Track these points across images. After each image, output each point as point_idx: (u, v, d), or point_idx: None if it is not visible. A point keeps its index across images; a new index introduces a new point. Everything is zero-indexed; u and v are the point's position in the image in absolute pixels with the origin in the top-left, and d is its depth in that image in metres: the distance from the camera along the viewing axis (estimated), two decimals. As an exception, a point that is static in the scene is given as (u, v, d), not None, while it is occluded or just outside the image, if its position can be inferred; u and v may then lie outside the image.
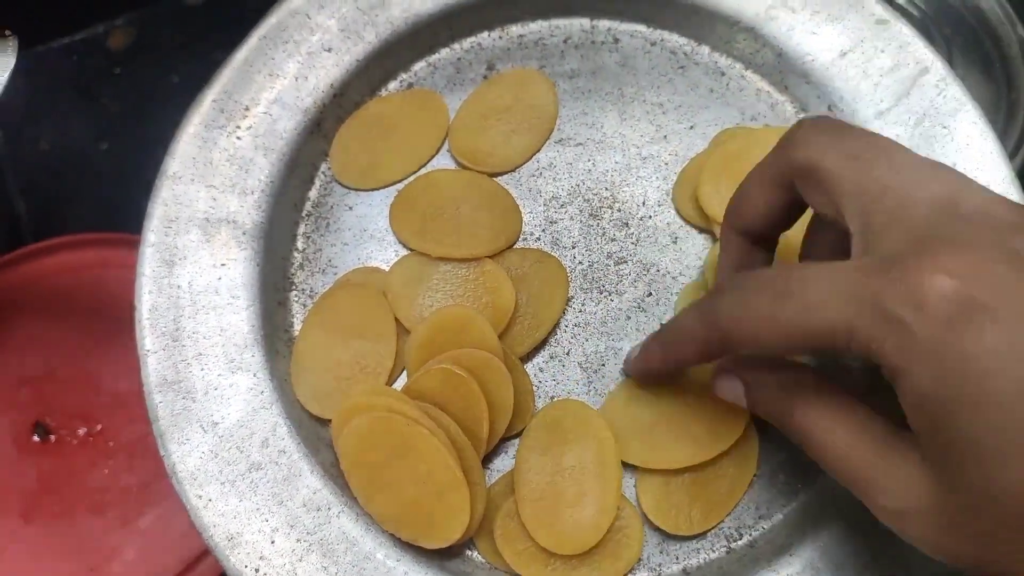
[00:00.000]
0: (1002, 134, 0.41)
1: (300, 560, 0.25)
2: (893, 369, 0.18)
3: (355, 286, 0.29)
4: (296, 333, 0.29)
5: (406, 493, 0.25)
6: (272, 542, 0.25)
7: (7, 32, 0.26)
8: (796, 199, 0.22)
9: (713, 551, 0.26)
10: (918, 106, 0.30)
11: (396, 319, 0.28)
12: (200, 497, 0.25)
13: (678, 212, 0.30)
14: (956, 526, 0.18)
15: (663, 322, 0.29)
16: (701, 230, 0.30)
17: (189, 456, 0.26)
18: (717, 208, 0.28)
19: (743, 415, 0.26)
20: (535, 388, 0.28)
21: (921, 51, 0.30)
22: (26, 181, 0.46)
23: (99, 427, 0.38)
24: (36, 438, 0.38)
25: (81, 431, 0.38)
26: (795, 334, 0.19)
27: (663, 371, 0.26)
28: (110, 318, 0.40)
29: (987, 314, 0.17)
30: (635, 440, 0.26)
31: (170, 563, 0.36)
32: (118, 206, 0.45)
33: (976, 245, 0.18)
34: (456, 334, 0.27)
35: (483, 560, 0.26)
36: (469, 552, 0.26)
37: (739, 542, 0.27)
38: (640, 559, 0.26)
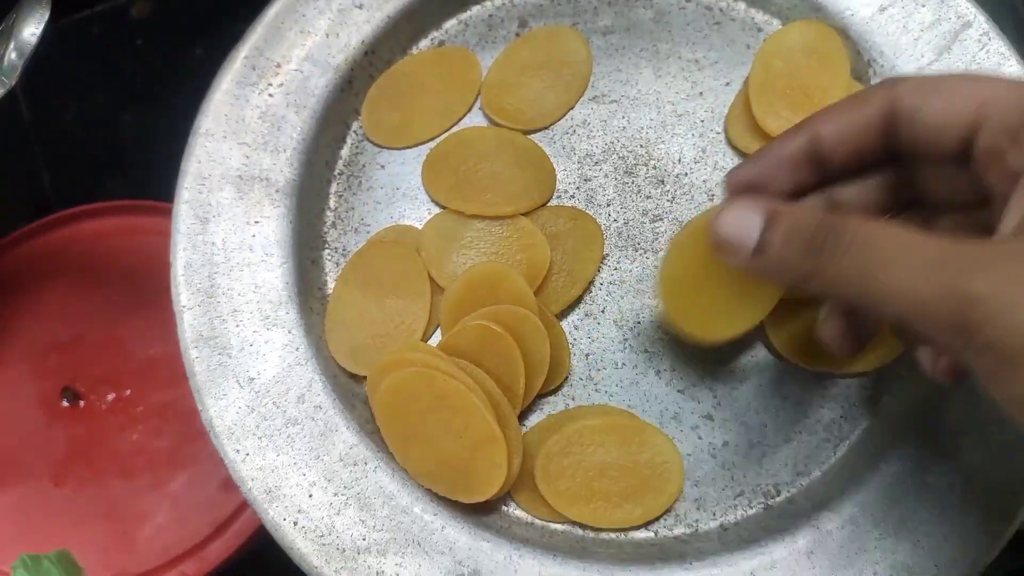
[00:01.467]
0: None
1: (338, 514, 0.25)
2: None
3: (389, 244, 0.29)
4: (329, 291, 0.28)
5: (442, 448, 0.25)
6: (310, 496, 0.25)
7: (40, -17, 0.26)
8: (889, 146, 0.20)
9: (751, 508, 0.26)
10: (960, 61, 0.29)
11: (430, 277, 0.28)
12: (238, 451, 0.25)
13: (735, 147, 0.30)
14: None
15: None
16: None
17: (226, 411, 0.25)
18: (776, 125, 0.28)
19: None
20: (571, 345, 0.28)
21: (963, 5, 0.30)
22: (51, 152, 0.46)
23: (128, 392, 0.39)
24: (65, 403, 0.38)
25: (110, 396, 0.39)
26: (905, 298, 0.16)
27: (786, 160, 0.22)
28: (138, 284, 0.40)
29: None
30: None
31: (200, 526, 0.36)
32: (143, 176, 0.45)
33: None
34: (491, 291, 0.27)
35: (520, 515, 0.26)
36: (506, 507, 0.26)
37: (777, 499, 0.26)
38: (678, 514, 0.26)
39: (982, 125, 0.19)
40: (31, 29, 0.24)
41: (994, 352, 0.15)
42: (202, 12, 0.48)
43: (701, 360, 0.28)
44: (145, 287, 0.40)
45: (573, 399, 0.27)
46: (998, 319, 0.15)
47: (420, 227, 0.29)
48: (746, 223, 0.19)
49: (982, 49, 0.29)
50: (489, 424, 0.24)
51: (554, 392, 0.27)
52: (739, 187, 0.22)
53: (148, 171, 0.44)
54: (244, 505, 0.36)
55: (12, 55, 0.24)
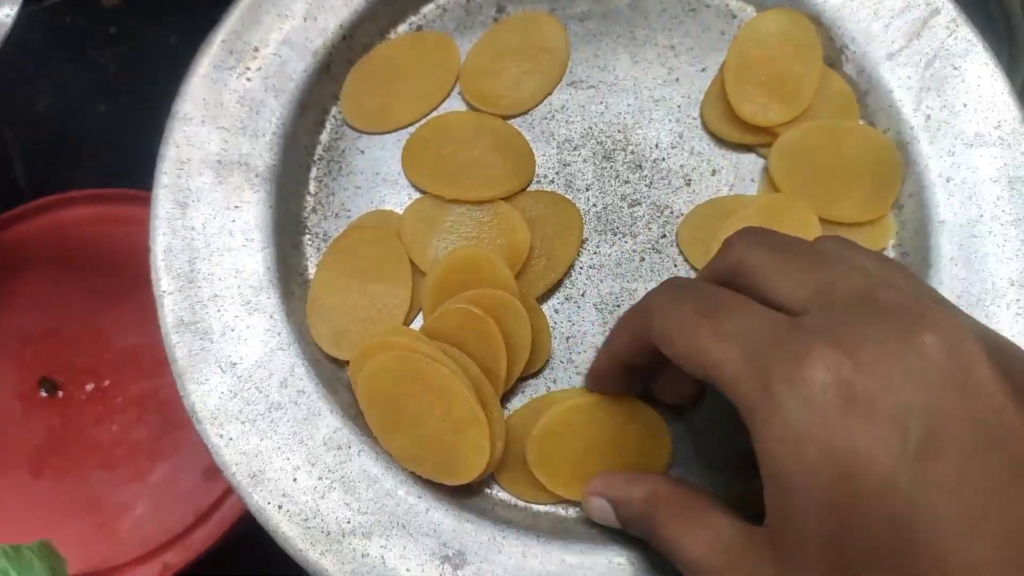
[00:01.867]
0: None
1: (322, 497, 0.25)
2: (757, 444, 0.18)
3: (369, 229, 0.29)
4: (310, 276, 0.28)
5: (425, 431, 0.25)
6: (294, 480, 0.25)
7: (16, -33, 0.25)
8: None
9: (730, 485, 0.27)
10: (929, 47, 0.30)
11: (411, 261, 0.28)
12: (221, 436, 0.25)
13: (710, 132, 0.30)
14: None
15: (677, 264, 0.29)
16: (736, 147, 0.30)
17: (209, 396, 0.25)
18: (750, 111, 0.29)
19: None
20: (551, 328, 0.28)
21: (932, -8, 0.30)
22: (24, 143, 0.45)
23: (107, 383, 0.38)
24: (43, 394, 0.38)
25: (89, 387, 0.38)
26: (700, 360, 0.19)
27: (606, 368, 0.25)
28: (114, 274, 0.40)
29: (866, 410, 0.16)
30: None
31: (182, 515, 0.36)
32: (117, 166, 0.44)
33: (880, 335, 0.17)
34: (472, 274, 0.27)
35: (503, 497, 0.26)
36: (489, 490, 0.27)
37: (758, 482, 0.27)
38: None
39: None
40: (5, 10, 0.24)
41: None
42: (174, 0, 0.48)
43: (680, 341, 0.28)
44: (122, 276, 0.40)
45: (555, 382, 0.28)
46: None
47: (401, 212, 0.29)
48: (605, 511, 0.24)
49: (950, 36, 0.30)
50: (472, 407, 0.25)
51: (535, 375, 0.28)
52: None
53: (123, 160, 0.44)
54: (226, 494, 0.36)
55: (-14, 38, 0.24)
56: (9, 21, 0.24)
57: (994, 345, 0.18)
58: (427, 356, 0.25)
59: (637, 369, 0.24)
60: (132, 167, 0.43)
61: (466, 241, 0.28)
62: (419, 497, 0.25)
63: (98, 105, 0.46)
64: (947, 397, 0.16)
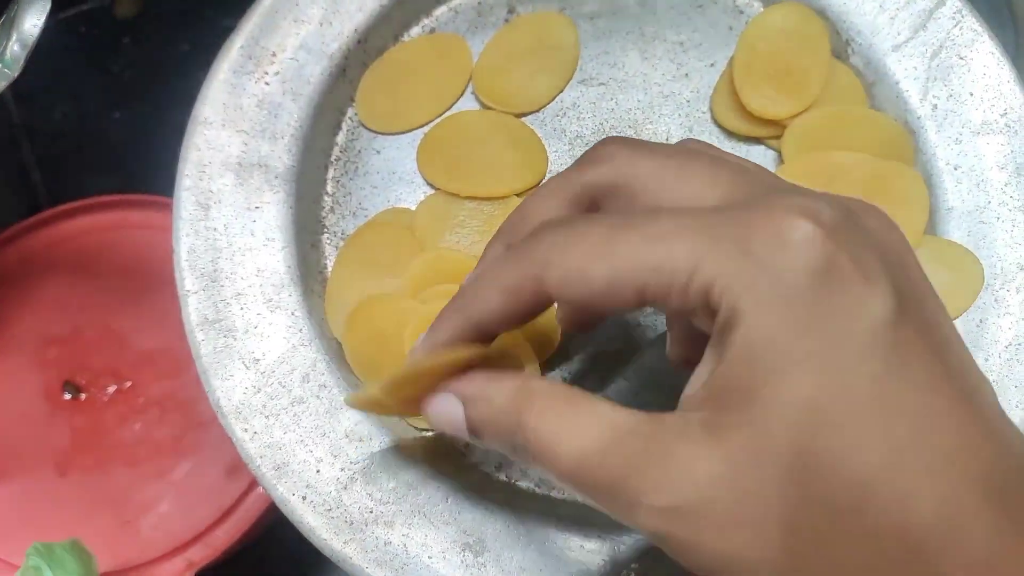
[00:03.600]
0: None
1: (345, 488, 0.25)
2: (733, 311, 0.16)
3: (381, 225, 0.29)
4: (329, 274, 0.29)
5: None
6: (317, 471, 0.25)
7: (40, -25, 0.26)
8: None
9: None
10: (935, 38, 0.30)
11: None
12: (246, 430, 0.26)
13: (720, 126, 0.31)
14: (749, 517, 0.16)
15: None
16: (745, 140, 0.31)
17: (233, 391, 0.26)
18: (759, 105, 0.29)
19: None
20: (565, 321, 0.29)
21: (936, -16, 0.31)
22: (41, 151, 0.46)
23: (128, 384, 0.39)
24: (67, 396, 0.39)
25: (111, 388, 0.39)
26: (628, 269, 0.17)
27: (451, 341, 0.21)
28: (133, 278, 0.40)
29: (855, 267, 0.16)
30: None
31: (204, 514, 0.37)
32: (133, 174, 0.45)
33: (828, 202, 0.17)
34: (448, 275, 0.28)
35: (523, 485, 0.27)
36: (508, 479, 0.27)
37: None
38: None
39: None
40: (33, 20, 0.24)
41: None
42: (187, 9, 0.48)
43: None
44: (140, 281, 0.41)
45: (569, 373, 0.28)
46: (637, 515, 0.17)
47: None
48: (451, 413, 0.20)
49: (956, 26, 0.30)
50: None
51: (547, 364, 0.28)
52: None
53: (139, 167, 0.45)
54: (248, 491, 0.36)
55: (15, 47, 0.24)
56: (36, 31, 0.24)
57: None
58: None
59: (490, 337, 0.21)
60: (147, 173, 0.44)
61: (478, 236, 0.29)
62: (439, 487, 0.26)
63: (113, 113, 0.47)
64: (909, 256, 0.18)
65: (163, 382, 0.39)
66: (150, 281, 0.40)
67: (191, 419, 0.38)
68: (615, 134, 0.31)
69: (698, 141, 0.21)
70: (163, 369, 0.39)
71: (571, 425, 0.17)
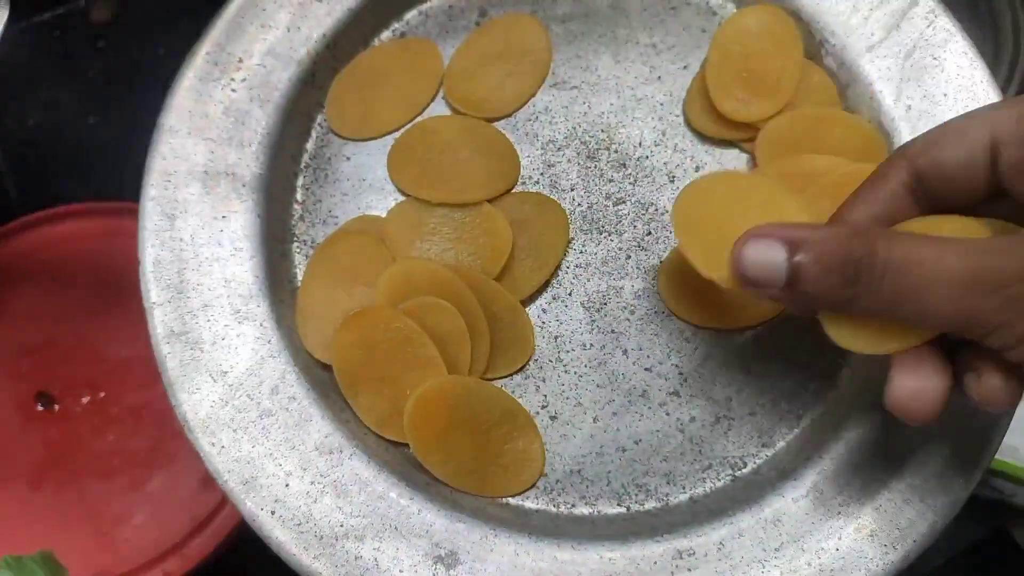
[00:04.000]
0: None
1: (315, 502, 0.25)
2: None
3: (352, 233, 0.29)
4: (299, 283, 0.29)
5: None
6: (287, 485, 0.25)
7: (-4, -16, 0.26)
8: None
9: (718, 480, 0.27)
10: (908, 38, 0.30)
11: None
12: (213, 444, 0.25)
13: (694, 129, 0.30)
14: None
15: (662, 261, 0.29)
16: (719, 143, 0.30)
17: (200, 405, 0.26)
18: (732, 107, 0.29)
19: None
20: (539, 328, 0.28)
21: (910, -16, 0.31)
22: (14, 158, 0.46)
23: (103, 394, 0.39)
24: (40, 407, 0.38)
25: (85, 399, 0.39)
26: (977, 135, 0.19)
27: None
28: (109, 286, 0.40)
29: None
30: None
31: (179, 525, 0.36)
32: (107, 179, 0.44)
33: None
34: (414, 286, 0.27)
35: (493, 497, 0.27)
36: (474, 497, 0.27)
37: (743, 470, 0.27)
38: (649, 488, 0.27)
39: (1000, 153, 0.20)
40: (-10, 29, 0.24)
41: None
42: (162, 13, 0.48)
43: (667, 338, 0.28)
44: (115, 289, 0.40)
45: (543, 380, 0.28)
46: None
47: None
48: (771, 256, 0.19)
49: (929, 26, 0.30)
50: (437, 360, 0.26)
51: (521, 371, 0.28)
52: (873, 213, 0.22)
53: (114, 173, 0.44)
54: (224, 502, 0.36)
55: (-30, 58, 0.24)
56: (-7, 38, 0.24)
57: None
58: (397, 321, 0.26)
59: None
60: (123, 179, 0.44)
61: (449, 243, 0.28)
62: (411, 499, 0.25)
63: (87, 118, 0.47)
64: None
65: (138, 392, 0.39)
66: (124, 289, 0.40)
67: (166, 429, 0.38)
68: (587, 138, 0.30)
69: None
70: (138, 379, 0.39)
71: (925, 273, 0.17)
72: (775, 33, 0.30)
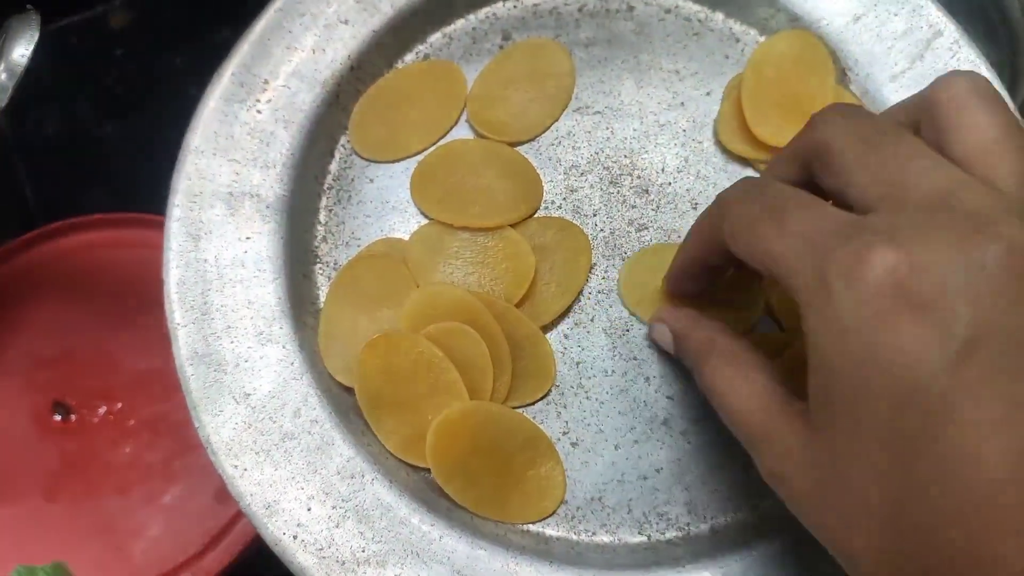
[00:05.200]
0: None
1: (337, 526, 0.25)
2: (808, 332, 0.18)
3: (373, 257, 0.29)
4: (322, 305, 0.29)
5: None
6: (308, 509, 0.25)
7: (29, 6, 0.26)
8: (815, 180, 0.22)
9: (739, 510, 0.27)
10: (932, 69, 0.30)
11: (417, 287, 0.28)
12: (236, 467, 0.25)
13: (725, 149, 0.30)
14: (823, 499, 0.19)
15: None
16: (741, 169, 0.30)
17: (223, 427, 0.26)
18: (767, 132, 0.29)
19: None
20: (561, 353, 0.28)
21: (934, 14, 0.31)
22: (33, 165, 0.46)
23: (119, 406, 0.39)
24: (57, 418, 0.38)
25: (101, 410, 0.39)
26: (763, 256, 0.20)
27: (683, 266, 0.26)
28: (126, 297, 0.40)
29: (915, 312, 0.17)
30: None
31: (194, 538, 0.36)
32: (125, 187, 0.45)
33: (944, 241, 0.17)
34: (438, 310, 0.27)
35: (516, 523, 0.27)
36: (495, 525, 0.27)
37: (765, 501, 0.27)
38: (670, 518, 0.27)
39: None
40: (20, 51, 0.24)
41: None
42: (180, 21, 0.48)
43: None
44: (133, 300, 0.40)
45: (564, 407, 0.28)
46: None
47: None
48: (665, 336, 0.27)
49: (953, 57, 0.30)
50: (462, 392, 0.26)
51: (544, 399, 0.28)
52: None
53: (131, 181, 0.45)
54: (239, 516, 0.36)
55: (2, 76, 0.24)
56: (24, 61, 0.24)
57: None
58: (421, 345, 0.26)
59: (712, 269, 0.25)
60: (141, 188, 0.44)
61: (471, 267, 0.28)
62: (432, 525, 0.25)
63: (105, 126, 0.47)
64: (996, 310, 0.17)
65: (154, 405, 0.39)
66: (142, 301, 0.40)
67: (181, 442, 0.38)
68: (610, 163, 0.30)
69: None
70: (154, 391, 0.39)
71: (731, 387, 0.22)
72: (808, 59, 0.30)
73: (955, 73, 0.21)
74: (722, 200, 0.23)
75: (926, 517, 0.17)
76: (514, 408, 0.28)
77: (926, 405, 0.17)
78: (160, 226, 0.39)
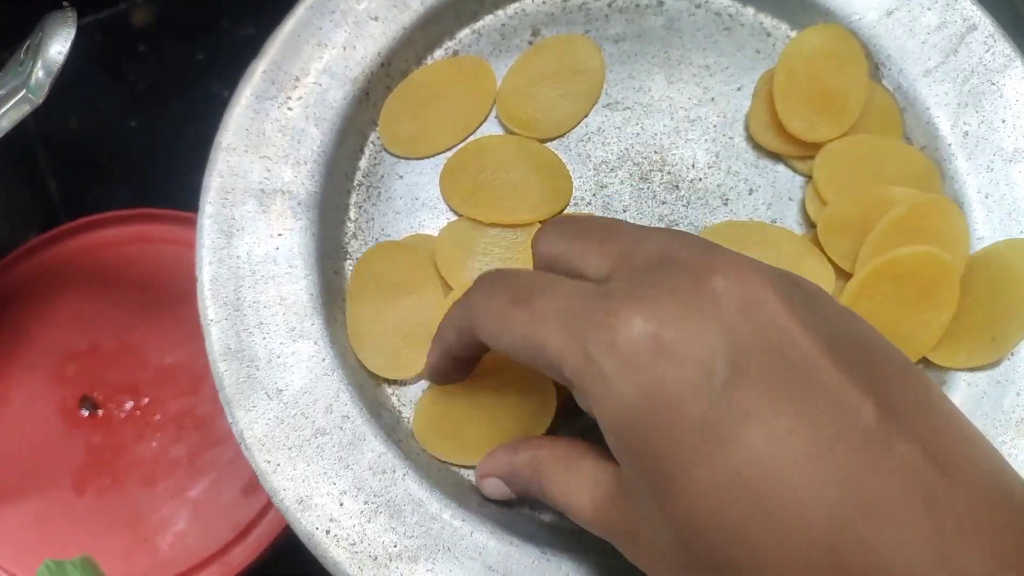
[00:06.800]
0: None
1: (369, 521, 0.25)
2: (594, 411, 0.19)
3: (384, 247, 0.29)
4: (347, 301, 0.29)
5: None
6: (341, 504, 0.25)
7: (65, 3, 0.26)
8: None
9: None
10: (966, 63, 0.30)
11: (440, 276, 0.29)
12: (269, 462, 0.26)
13: (756, 144, 0.30)
14: (670, 567, 0.19)
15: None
16: (773, 165, 0.30)
17: (256, 423, 0.26)
18: (798, 126, 0.29)
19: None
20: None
21: (968, 8, 0.30)
22: (57, 161, 0.46)
23: (146, 400, 0.39)
24: (84, 412, 0.39)
25: (128, 404, 0.39)
26: (522, 345, 0.20)
27: (439, 364, 0.26)
28: (153, 293, 0.40)
29: (675, 357, 0.17)
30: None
31: (221, 532, 0.37)
32: (149, 183, 0.45)
33: (677, 286, 0.18)
34: None
35: (547, 518, 0.27)
36: (533, 511, 0.27)
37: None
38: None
39: None
40: (58, 47, 0.24)
41: None
42: (202, 17, 0.48)
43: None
44: (158, 295, 0.40)
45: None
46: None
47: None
48: (499, 488, 0.26)
49: (988, 51, 0.30)
50: None
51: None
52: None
53: (155, 176, 0.45)
54: (265, 509, 0.36)
55: (40, 73, 0.24)
56: (61, 58, 0.24)
57: (781, 278, 0.19)
58: None
59: (469, 360, 0.25)
60: (164, 182, 0.44)
61: (501, 263, 0.28)
62: (464, 520, 0.26)
63: (129, 122, 0.47)
64: (744, 333, 0.17)
65: (181, 398, 0.39)
66: (168, 296, 0.40)
67: (208, 436, 0.38)
68: (640, 159, 0.30)
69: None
70: (180, 386, 0.39)
71: (569, 489, 0.22)
72: (840, 53, 0.30)
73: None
74: (469, 298, 0.22)
75: (728, 547, 0.17)
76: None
77: (708, 447, 0.17)
78: (184, 221, 0.40)
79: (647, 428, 0.18)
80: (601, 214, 0.30)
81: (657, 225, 0.30)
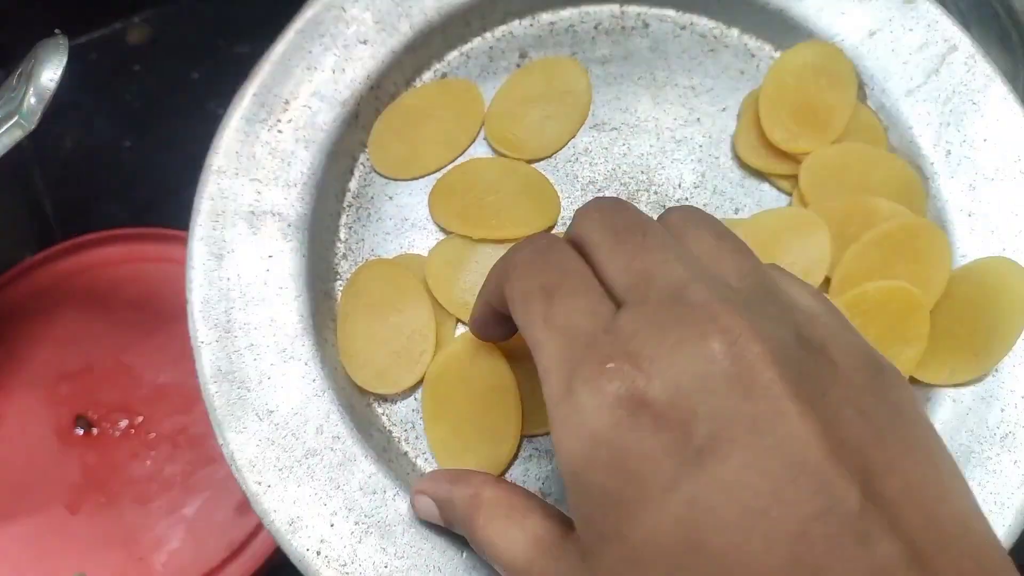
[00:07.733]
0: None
1: (359, 542, 0.25)
2: (555, 440, 0.19)
3: (372, 266, 0.29)
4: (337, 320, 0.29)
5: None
6: (331, 525, 0.26)
7: (57, 31, 0.26)
8: None
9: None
10: (948, 83, 0.30)
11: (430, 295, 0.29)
12: (259, 484, 0.26)
13: (742, 163, 0.31)
14: None
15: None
16: (759, 184, 0.31)
17: (247, 444, 0.26)
18: (781, 137, 0.29)
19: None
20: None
21: (949, 29, 0.31)
22: (52, 180, 0.46)
23: (140, 419, 0.39)
24: (79, 431, 0.39)
25: (122, 423, 0.39)
26: (528, 336, 0.20)
27: (479, 313, 0.25)
28: (145, 312, 0.41)
29: (656, 419, 0.17)
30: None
31: (215, 550, 0.37)
32: (144, 202, 0.45)
33: (677, 338, 0.18)
34: None
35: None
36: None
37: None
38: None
39: None
40: (49, 74, 0.24)
41: None
42: (197, 37, 0.49)
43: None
44: (152, 314, 0.41)
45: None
46: None
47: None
48: (430, 509, 0.25)
49: (968, 71, 0.30)
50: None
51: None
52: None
53: (150, 196, 0.45)
54: (259, 527, 0.37)
55: (31, 100, 0.25)
56: (53, 85, 0.24)
57: (790, 347, 0.18)
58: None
59: (509, 318, 0.25)
60: (158, 201, 0.45)
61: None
62: (454, 540, 0.26)
63: (124, 140, 0.47)
64: (731, 402, 0.17)
65: (174, 417, 0.39)
66: (162, 315, 0.40)
67: (202, 454, 0.38)
68: (627, 179, 0.31)
69: (681, 210, 0.23)
70: (174, 404, 0.39)
71: (506, 538, 0.22)
72: (830, 70, 0.30)
73: (672, 208, 0.23)
74: (512, 258, 0.22)
75: None
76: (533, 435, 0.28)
77: (676, 510, 0.17)
78: (179, 240, 0.40)
79: (613, 484, 0.18)
80: (589, 234, 0.30)
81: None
